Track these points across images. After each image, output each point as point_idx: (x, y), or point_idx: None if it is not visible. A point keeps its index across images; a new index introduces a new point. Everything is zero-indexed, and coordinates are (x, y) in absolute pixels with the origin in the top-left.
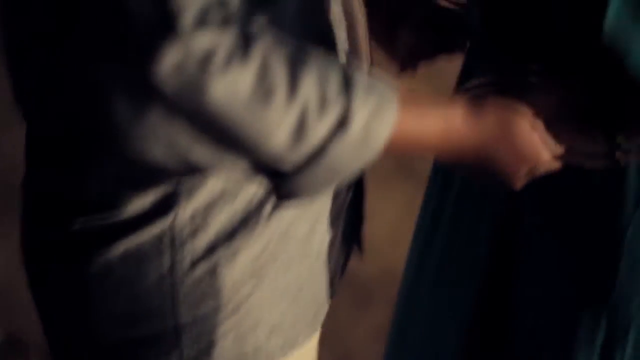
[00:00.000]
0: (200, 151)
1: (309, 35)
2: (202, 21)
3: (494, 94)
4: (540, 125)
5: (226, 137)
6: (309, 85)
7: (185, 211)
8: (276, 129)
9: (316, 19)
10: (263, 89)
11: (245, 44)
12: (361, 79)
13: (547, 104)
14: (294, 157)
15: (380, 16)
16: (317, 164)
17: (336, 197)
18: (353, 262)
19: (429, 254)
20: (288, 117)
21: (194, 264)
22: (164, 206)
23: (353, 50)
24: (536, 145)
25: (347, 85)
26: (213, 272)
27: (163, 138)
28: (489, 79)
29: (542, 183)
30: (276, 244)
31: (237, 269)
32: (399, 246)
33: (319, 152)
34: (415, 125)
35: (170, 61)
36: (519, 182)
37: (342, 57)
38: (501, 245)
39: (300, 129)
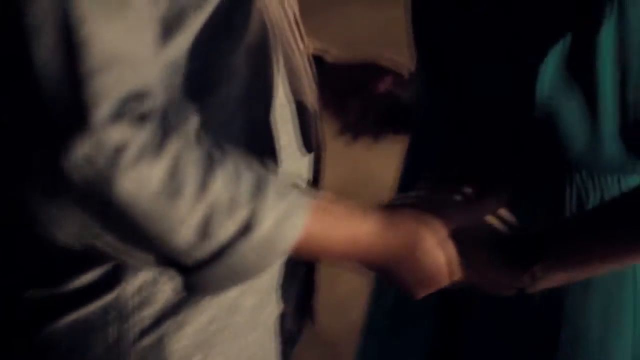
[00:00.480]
0: (105, 241)
1: (253, 118)
2: (118, 114)
3: (412, 208)
4: (449, 246)
5: (132, 230)
6: (219, 186)
7: (131, 284)
8: (181, 226)
9: (262, 103)
10: (172, 186)
11: (161, 139)
12: (275, 183)
13: (464, 226)
14: (197, 254)
15: (332, 85)
16: (219, 263)
17: (287, 269)
18: (320, 319)
19: (378, 317)
20: (194, 215)
21: (141, 335)
22: (110, 280)
23: (302, 126)
24: (438, 267)
25: (259, 189)
26: (160, 343)
27: (70, 224)
28: (415, 195)
29: None
30: (224, 316)
31: (184, 340)
32: (365, 301)
33: (222, 252)
34: (325, 232)
35: (80, 153)
36: (421, 294)
37: (290, 137)
38: (446, 312)
39: (206, 228)
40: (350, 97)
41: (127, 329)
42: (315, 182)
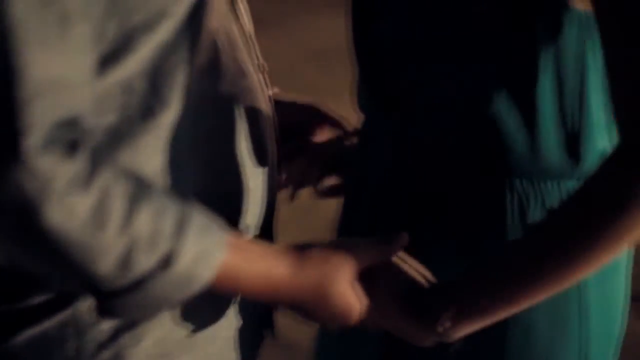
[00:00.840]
0: (31, 263)
1: (211, 135)
2: (50, 142)
3: (324, 248)
4: (359, 288)
5: (54, 257)
6: (143, 221)
7: (88, 300)
8: (103, 256)
9: (218, 120)
10: (98, 218)
11: (90, 171)
12: (197, 222)
13: (374, 270)
14: (116, 283)
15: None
16: (136, 294)
17: None
18: (288, 322)
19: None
20: (117, 247)
21: (99, 348)
22: (67, 296)
23: (258, 141)
24: (349, 306)
25: (181, 226)
26: (118, 356)
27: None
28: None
29: None
30: (182, 328)
31: (142, 353)
32: None
33: (140, 283)
34: (241, 272)
35: (11, 181)
36: (334, 328)
37: (243, 153)
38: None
39: (127, 260)
40: (288, 141)
41: (85, 344)
42: (270, 196)
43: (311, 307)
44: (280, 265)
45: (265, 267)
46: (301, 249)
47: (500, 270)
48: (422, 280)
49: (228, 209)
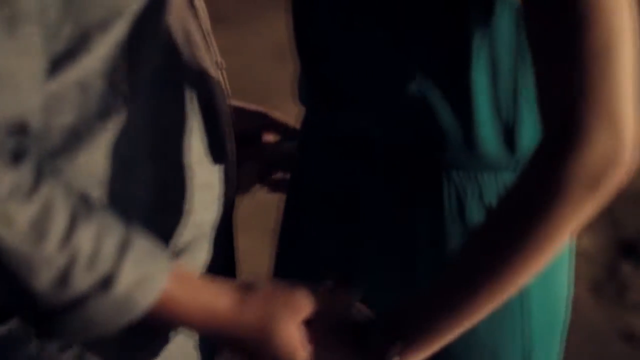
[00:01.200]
0: None
1: (161, 135)
2: None
3: (272, 288)
4: (304, 330)
5: None
6: (84, 238)
7: None
8: (41, 270)
9: (173, 119)
10: (38, 229)
11: (34, 182)
12: (140, 246)
13: (320, 314)
14: (52, 301)
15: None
16: (73, 314)
17: None
18: None
19: None
20: (56, 261)
21: (62, 349)
22: None
23: (215, 137)
24: (294, 348)
25: (123, 248)
26: (81, 357)
27: None
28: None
29: None
30: (145, 329)
31: (104, 354)
32: None
33: (77, 303)
34: (181, 301)
35: None
36: None
37: (200, 150)
38: None
39: (65, 277)
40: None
41: (47, 344)
42: (229, 193)
43: (253, 346)
44: (223, 299)
45: (207, 299)
46: (247, 285)
47: (442, 292)
48: (364, 318)
49: (182, 206)
